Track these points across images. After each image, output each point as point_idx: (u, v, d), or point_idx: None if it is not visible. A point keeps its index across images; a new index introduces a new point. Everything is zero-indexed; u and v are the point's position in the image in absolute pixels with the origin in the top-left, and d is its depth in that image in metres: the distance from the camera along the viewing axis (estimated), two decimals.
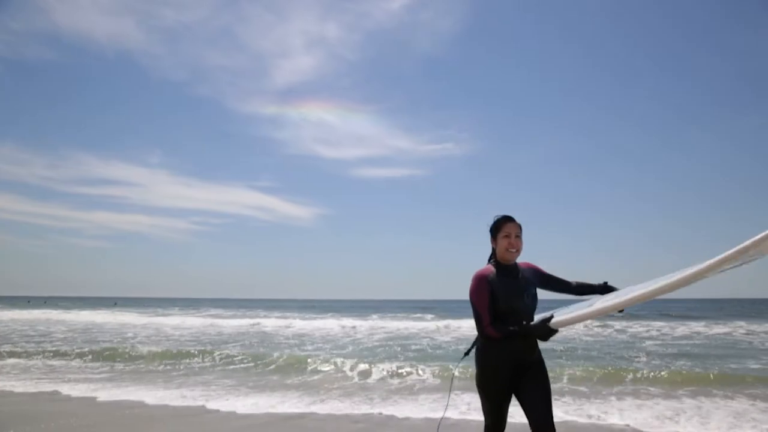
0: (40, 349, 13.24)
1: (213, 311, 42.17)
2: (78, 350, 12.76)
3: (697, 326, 22.49)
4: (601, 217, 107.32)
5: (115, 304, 68.38)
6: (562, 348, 13.35)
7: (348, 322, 25.77)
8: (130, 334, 19.17)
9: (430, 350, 14.03)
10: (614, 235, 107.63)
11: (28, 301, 79.98)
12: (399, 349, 14.10)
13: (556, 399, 6.30)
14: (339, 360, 10.34)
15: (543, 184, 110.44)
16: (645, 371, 8.80)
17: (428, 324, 25.26)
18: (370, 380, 8.79)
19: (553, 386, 6.90)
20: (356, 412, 6.26)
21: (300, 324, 25.24)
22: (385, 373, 9.20)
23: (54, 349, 13.31)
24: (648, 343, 15.78)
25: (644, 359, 11.68)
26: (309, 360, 10.53)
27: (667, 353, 12.97)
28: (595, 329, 20.12)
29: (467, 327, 22.55)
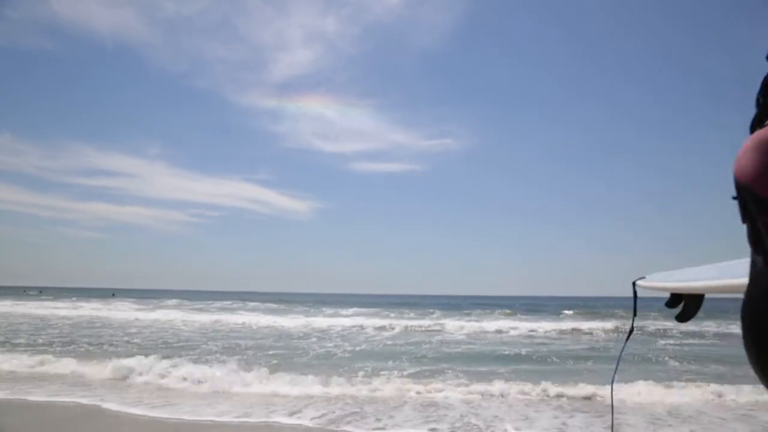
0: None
1: (202, 304, 41.71)
2: None
3: (705, 325, 22.22)
4: (599, 212, 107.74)
5: (113, 294, 68.09)
6: (576, 347, 13.09)
7: (358, 320, 25.39)
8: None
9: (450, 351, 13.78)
10: (613, 230, 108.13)
11: (24, 291, 79.45)
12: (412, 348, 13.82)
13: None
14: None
15: (541, 180, 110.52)
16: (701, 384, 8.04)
17: (433, 322, 25.03)
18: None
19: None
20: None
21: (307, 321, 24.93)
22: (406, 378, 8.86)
23: None
24: (661, 342, 15.54)
25: (676, 364, 11.18)
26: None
27: (693, 355, 12.64)
28: (596, 323, 19.90)
29: (466, 326, 22.27)
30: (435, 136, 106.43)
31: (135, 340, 14.22)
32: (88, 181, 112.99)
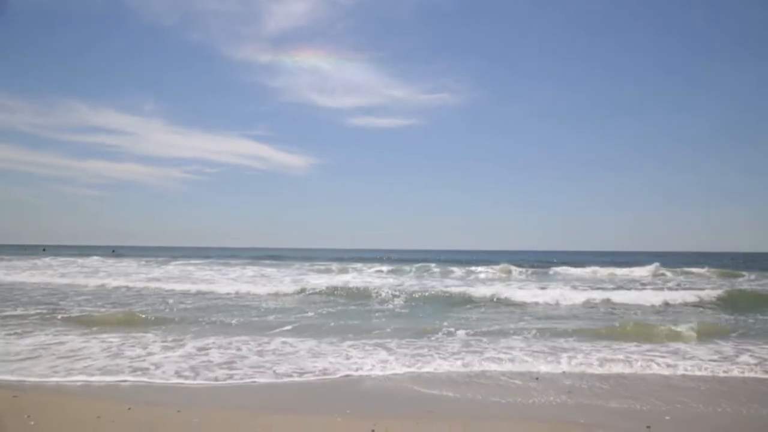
0: None
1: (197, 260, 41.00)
2: None
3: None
4: (599, 168, 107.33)
5: (113, 251, 67.83)
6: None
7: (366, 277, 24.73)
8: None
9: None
10: (613, 186, 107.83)
11: (25, 249, 78.91)
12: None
13: None
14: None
15: (540, 136, 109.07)
16: None
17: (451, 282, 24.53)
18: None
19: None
20: None
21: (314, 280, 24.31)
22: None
23: None
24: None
25: None
26: None
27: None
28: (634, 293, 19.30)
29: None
30: (432, 90, 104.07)
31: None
32: (83, 138, 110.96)
